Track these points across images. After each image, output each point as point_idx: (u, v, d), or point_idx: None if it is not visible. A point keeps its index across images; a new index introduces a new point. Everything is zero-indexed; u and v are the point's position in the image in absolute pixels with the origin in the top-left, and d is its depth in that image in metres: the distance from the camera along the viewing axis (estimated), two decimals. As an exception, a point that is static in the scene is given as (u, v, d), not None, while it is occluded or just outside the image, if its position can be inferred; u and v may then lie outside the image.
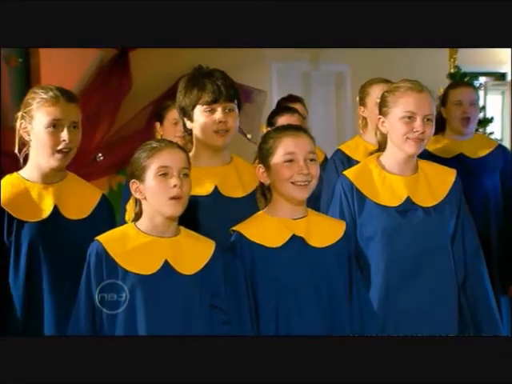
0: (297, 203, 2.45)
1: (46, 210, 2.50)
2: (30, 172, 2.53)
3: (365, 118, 3.58)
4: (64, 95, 2.49)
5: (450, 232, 2.71)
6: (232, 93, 2.62)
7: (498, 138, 5.86)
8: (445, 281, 2.68)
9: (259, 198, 2.52)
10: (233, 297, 2.35)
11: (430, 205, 2.69)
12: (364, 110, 3.58)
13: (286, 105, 4.03)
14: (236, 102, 2.65)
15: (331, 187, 2.95)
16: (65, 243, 2.49)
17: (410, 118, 2.63)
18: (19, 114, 2.52)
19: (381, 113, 2.73)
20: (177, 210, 2.29)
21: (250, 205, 2.53)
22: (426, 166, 2.77)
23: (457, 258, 2.71)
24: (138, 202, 2.35)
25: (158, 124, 3.85)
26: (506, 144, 4.45)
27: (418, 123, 2.61)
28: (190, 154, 2.60)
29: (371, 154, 2.85)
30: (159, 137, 3.72)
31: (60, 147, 2.47)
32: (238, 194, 2.64)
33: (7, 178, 2.53)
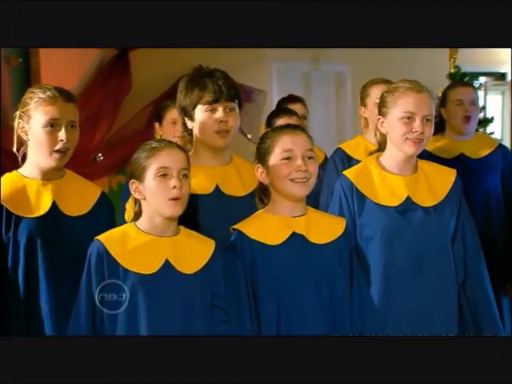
0: (296, 201, 2.45)
1: (45, 206, 2.50)
2: (28, 170, 2.53)
3: (366, 118, 3.58)
4: (62, 95, 2.49)
5: (450, 232, 2.71)
6: (233, 92, 2.62)
7: (498, 137, 5.86)
8: (445, 281, 2.68)
9: (257, 201, 2.52)
10: (233, 296, 2.36)
11: (429, 205, 2.69)
12: (364, 110, 3.58)
13: (286, 105, 4.02)
14: (237, 101, 2.66)
15: (331, 186, 2.95)
16: (64, 239, 2.50)
17: (409, 118, 2.63)
18: (17, 113, 2.52)
19: (380, 113, 2.73)
20: (176, 210, 2.29)
21: (251, 204, 2.53)
22: (425, 165, 2.77)
23: (457, 257, 2.71)
24: (137, 201, 2.35)
25: (157, 124, 3.85)
26: (506, 144, 4.45)
27: (417, 123, 2.61)
28: (190, 154, 2.61)
29: (371, 153, 2.86)
30: (158, 137, 3.72)
31: (58, 147, 2.47)
32: (239, 193, 2.65)
33: (6, 176, 2.54)
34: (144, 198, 2.31)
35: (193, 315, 2.29)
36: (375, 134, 2.86)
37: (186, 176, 2.31)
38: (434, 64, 5.42)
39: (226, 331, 2.32)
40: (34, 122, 2.48)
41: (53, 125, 2.47)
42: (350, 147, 3.61)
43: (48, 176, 2.53)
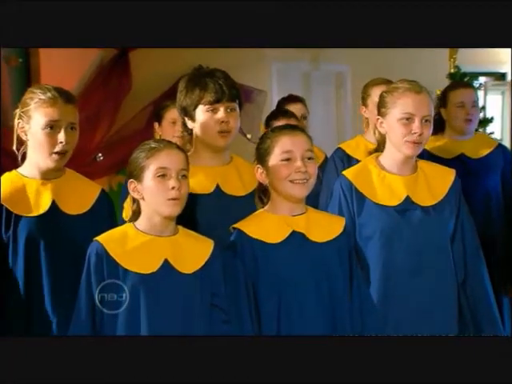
0: (296, 201, 2.45)
1: (44, 205, 2.50)
2: (28, 169, 2.54)
3: (367, 118, 3.58)
4: (62, 96, 2.48)
5: (449, 231, 2.71)
6: (234, 92, 2.62)
7: (498, 137, 5.86)
8: (444, 280, 2.68)
9: (257, 200, 2.52)
10: (233, 296, 2.36)
11: (429, 204, 2.69)
12: (365, 110, 3.59)
13: (286, 105, 4.02)
14: (237, 101, 2.66)
15: (330, 185, 2.95)
16: (64, 238, 2.50)
17: (408, 119, 2.63)
18: (17, 112, 2.52)
19: (379, 113, 2.73)
20: (175, 210, 2.29)
21: (251, 203, 2.53)
22: (425, 165, 2.77)
23: (456, 257, 2.71)
24: (135, 200, 2.35)
25: (156, 124, 3.85)
26: (506, 144, 4.45)
27: (416, 125, 2.61)
28: (190, 154, 2.61)
29: (370, 153, 2.86)
30: (158, 137, 3.72)
31: (57, 149, 2.47)
32: (240, 192, 2.65)
33: (6, 176, 2.54)
34: (142, 198, 2.31)
35: (192, 315, 2.29)
36: (374, 134, 2.86)
37: (184, 176, 2.31)
38: (433, 64, 5.41)
39: (225, 331, 2.32)
40: (33, 122, 2.48)
41: (52, 127, 2.47)
42: (350, 147, 3.61)
43: (47, 175, 2.53)
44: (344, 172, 2.79)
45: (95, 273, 2.26)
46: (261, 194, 2.51)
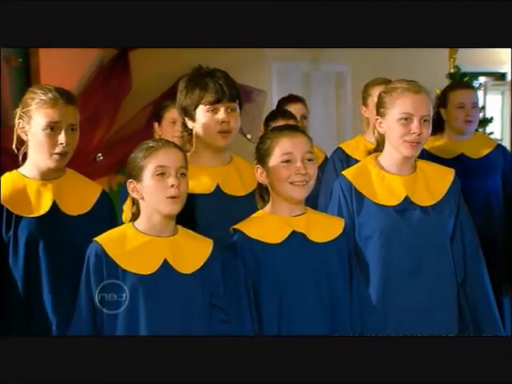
0: (295, 202, 2.46)
1: (45, 205, 2.50)
2: (28, 169, 2.53)
3: (367, 118, 3.58)
4: (63, 97, 2.48)
5: (448, 231, 2.71)
6: (234, 92, 2.62)
7: (498, 137, 5.86)
8: (444, 280, 2.68)
9: (257, 200, 2.53)
10: (233, 296, 2.36)
11: (428, 204, 2.69)
12: (366, 110, 3.59)
13: (286, 105, 4.02)
14: (237, 101, 2.66)
15: (329, 185, 2.95)
16: (64, 239, 2.50)
17: (406, 119, 2.62)
18: (18, 111, 2.52)
19: (378, 113, 2.72)
20: (174, 208, 2.29)
21: (252, 203, 2.54)
22: (424, 165, 2.77)
23: (456, 257, 2.71)
24: (135, 202, 2.35)
25: (156, 124, 3.85)
26: (506, 144, 4.45)
27: (415, 125, 2.61)
28: (190, 154, 2.61)
29: (369, 153, 2.86)
30: (158, 137, 3.72)
31: (57, 150, 2.47)
32: (240, 192, 2.65)
33: (6, 176, 2.54)
34: (142, 198, 2.31)
35: (192, 315, 2.29)
36: (373, 133, 2.86)
37: (183, 175, 2.31)
38: (433, 64, 5.41)
39: (225, 331, 2.32)
40: (34, 123, 2.48)
41: (53, 128, 2.46)
42: (350, 147, 3.61)
43: (48, 176, 2.53)
44: (343, 172, 2.79)
45: (94, 273, 2.26)
46: (262, 192, 2.51)
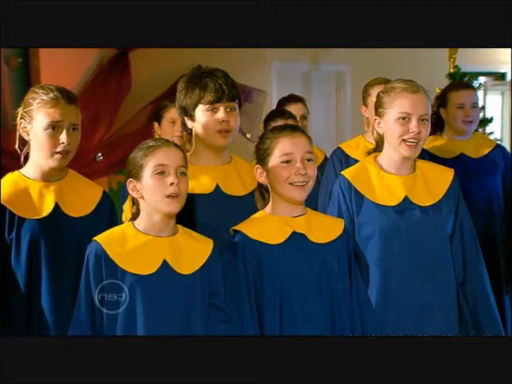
0: (295, 203, 2.46)
1: (47, 207, 2.50)
2: (30, 170, 2.54)
3: (367, 118, 3.58)
4: (64, 97, 2.48)
5: (448, 231, 2.71)
6: (234, 92, 2.62)
7: (498, 137, 5.87)
8: (444, 280, 2.67)
9: (257, 198, 2.53)
10: (233, 296, 2.36)
11: (427, 204, 2.69)
12: (366, 109, 3.59)
13: (286, 105, 4.01)
14: (237, 101, 2.65)
15: (329, 185, 2.95)
16: (66, 240, 2.50)
17: (404, 118, 2.62)
18: (19, 111, 2.52)
19: (376, 114, 2.72)
20: (174, 207, 2.29)
21: (251, 203, 2.53)
22: (423, 165, 2.77)
23: (456, 257, 2.71)
24: (135, 201, 2.35)
25: (156, 124, 3.86)
26: (506, 144, 4.46)
27: (413, 124, 2.61)
28: (190, 154, 2.61)
29: (369, 153, 2.86)
30: (157, 137, 3.72)
31: (58, 149, 2.47)
32: (240, 192, 2.65)
33: (8, 176, 2.54)
34: (142, 197, 2.31)
35: (191, 315, 2.29)
36: (372, 133, 2.86)
37: (183, 174, 2.31)
38: (433, 64, 5.42)
39: (224, 331, 2.32)
40: (35, 123, 2.48)
41: (54, 127, 2.47)
42: (350, 147, 3.61)
43: (50, 176, 2.54)
44: (343, 172, 2.79)
45: (94, 273, 2.25)
46: (262, 190, 2.51)
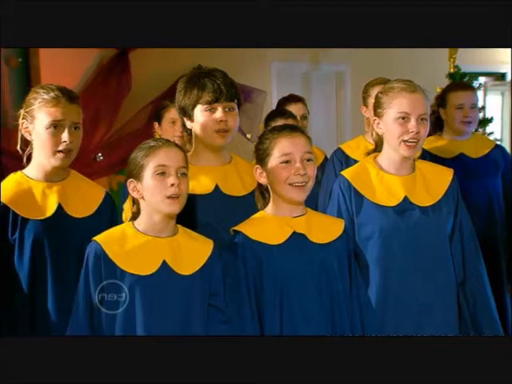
0: (295, 203, 2.46)
1: (50, 208, 2.50)
2: (33, 171, 2.54)
3: (368, 118, 3.58)
4: (65, 96, 2.49)
5: (448, 231, 2.71)
6: (232, 92, 2.62)
7: (498, 137, 5.87)
8: (443, 280, 2.68)
9: (258, 197, 2.53)
10: (234, 296, 2.36)
11: (427, 204, 2.69)
12: (366, 109, 3.59)
13: (287, 104, 4.02)
14: (236, 101, 2.65)
15: (329, 185, 2.95)
16: (69, 241, 2.50)
17: (403, 118, 2.62)
18: (21, 112, 2.53)
19: (375, 114, 2.72)
20: (175, 208, 2.29)
21: (251, 203, 2.53)
22: (423, 165, 2.77)
23: (455, 257, 2.71)
24: (135, 201, 2.35)
25: (156, 124, 3.85)
26: (506, 144, 4.46)
27: (412, 124, 2.61)
28: (190, 154, 2.61)
29: (368, 154, 2.86)
30: (158, 137, 3.72)
31: (60, 148, 2.48)
32: (239, 192, 2.65)
33: (11, 177, 2.55)
34: (142, 198, 2.31)
35: (191, 316, 2.28)
36: (371, 134, 2.86)
37: (184, 174, 2.31)
38: (433, 64, 5.43)
39: (223, 331, 2.32)
40: (37, 122, 2.48)
41: (56, 126, 2.47)
42: (350, 147, 3.61)
43: (53, 177, 2.54)
44: (343, 172, 2.79)
45: (93, 273, 2.25)
46: (263, 191, 2.51)
